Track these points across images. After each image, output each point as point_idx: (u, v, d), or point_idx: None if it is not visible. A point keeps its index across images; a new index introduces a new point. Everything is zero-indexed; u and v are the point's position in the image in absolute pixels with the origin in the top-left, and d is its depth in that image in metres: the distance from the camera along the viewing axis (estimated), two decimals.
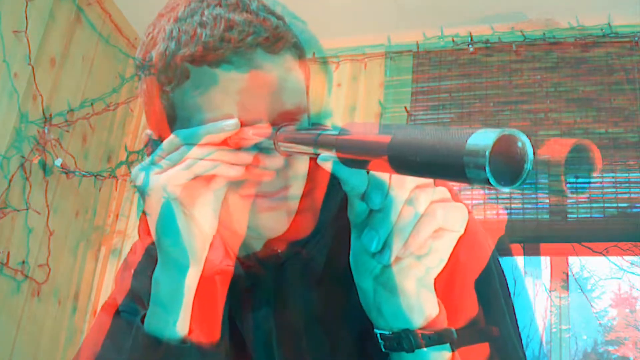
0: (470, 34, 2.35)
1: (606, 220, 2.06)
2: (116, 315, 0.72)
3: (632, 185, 2.06)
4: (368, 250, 0.51)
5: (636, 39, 2.18)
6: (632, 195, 2.05)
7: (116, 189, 2.51)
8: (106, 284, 2.39)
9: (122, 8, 2.46)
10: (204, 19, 0.57)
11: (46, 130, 2.08)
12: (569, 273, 2.18)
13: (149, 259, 0.73)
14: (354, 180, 0.49)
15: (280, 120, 0.58)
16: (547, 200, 2.12)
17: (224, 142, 0.56)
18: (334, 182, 0.67)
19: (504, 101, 2.28)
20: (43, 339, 2.10)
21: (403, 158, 0.41)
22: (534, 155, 0.38)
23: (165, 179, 0.56)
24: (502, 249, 2.12)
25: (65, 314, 2.23)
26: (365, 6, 2.32)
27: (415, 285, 0.52)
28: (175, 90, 0.59)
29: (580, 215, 2.09)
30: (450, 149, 0.37)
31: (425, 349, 0.53)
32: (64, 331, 2.22)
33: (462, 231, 0.51)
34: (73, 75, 2.26)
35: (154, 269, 0.60)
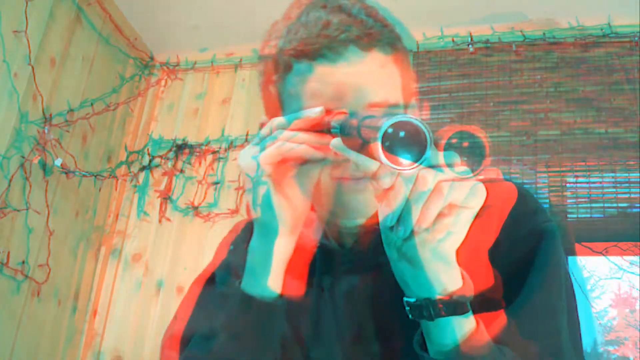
0: (470, 34, 2.35)
1: (606, 220, 2.06)
2: (210, 285, 0.80)
3: (632, 185, 2.06)
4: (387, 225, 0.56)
5: (636, 39, 2.18)
6: (632, 195, 2.05)
7: (116, 189, 2.51)
8: (106, 283, 2.39)
9: (122, 8, 2.46)
10: (308, 19, 0.68)
11: (46, 130, 2.08)
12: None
13: (249, 233, 0.80)
14: (363, 162, 0.55)
15: (367, 110, 0.65)
16: (547, 201, 2.12)
17: (313, 127, 0.63)
18: None
19: (504, 101, 2.28)
20: (43, 339, 2.10)
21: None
22: (429, 135, 0.48)
23: (259, 158, 0.64)
24: None
25: (65, 314, 2.23)
26: None
27: (430, 257, 0.56)
28: (281, 81, 0.69)
29: (580, 215, 2.09)
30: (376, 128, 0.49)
31: (445, 317, 0.56)
32: (64, 331, 2.22)
33: (476, 208, 0.54)
34: (73, 75, 2.26)
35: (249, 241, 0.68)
